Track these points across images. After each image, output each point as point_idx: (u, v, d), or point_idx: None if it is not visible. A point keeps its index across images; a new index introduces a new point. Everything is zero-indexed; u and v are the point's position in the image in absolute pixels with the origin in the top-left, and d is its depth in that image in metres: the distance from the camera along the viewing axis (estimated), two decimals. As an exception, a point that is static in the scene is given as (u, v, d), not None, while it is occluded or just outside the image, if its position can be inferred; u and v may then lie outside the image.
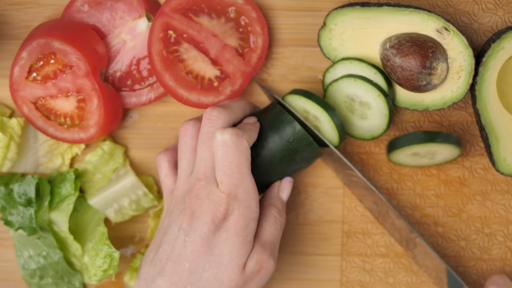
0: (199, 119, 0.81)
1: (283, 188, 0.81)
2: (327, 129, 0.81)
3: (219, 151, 0.75)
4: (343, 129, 0.81)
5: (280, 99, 0.81)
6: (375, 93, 0.81)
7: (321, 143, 0.81)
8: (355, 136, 0.84)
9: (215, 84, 0.83)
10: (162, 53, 0.82)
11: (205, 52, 0.83)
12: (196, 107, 0.83)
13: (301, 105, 0.81)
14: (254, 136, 0.78)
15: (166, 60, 0.83)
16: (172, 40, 0.82)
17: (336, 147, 0.81)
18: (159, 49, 0.82)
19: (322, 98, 0.81)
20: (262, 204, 0.80)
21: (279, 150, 0.79)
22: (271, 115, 0.80)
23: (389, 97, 0.82)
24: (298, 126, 0.79)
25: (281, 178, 0.82)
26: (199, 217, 0.75)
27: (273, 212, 0.79)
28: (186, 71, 0.83)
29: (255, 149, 0.80)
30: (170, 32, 0.82)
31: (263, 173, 0.80)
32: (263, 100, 0.87)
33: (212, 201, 0.75)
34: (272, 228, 0.79)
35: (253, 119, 0.80)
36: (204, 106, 0.83)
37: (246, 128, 0.78)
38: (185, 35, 0.83)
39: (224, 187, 0.75)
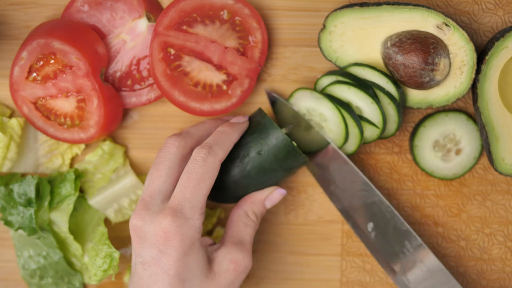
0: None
1: (272, 198, 0.83)
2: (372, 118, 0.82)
3: (189, 164, 0.77)
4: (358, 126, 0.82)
5: (285, 101, 0.81)
6: (385, 101, 0.81)
7: (309, 151, 0.83)
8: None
9: (224, 88, 0.83)
10: (166, 72, 0.83)
11: (207, 60, 0.83)
12: (211, 115, 0.84)
13: (345, 95, 0.81)
14: (230, 144, 0.79)
15: (171, 78, 0.83)
16: (172, 57, 0.83)
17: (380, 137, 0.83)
18: (162, 69, 0.82)
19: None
20: (244, 206, 0.82)
21: (269, 161, 0.80)
22: (260, 125, 0.81)
23: (400, 104, 0.81)
24: (285, 136, 0.79)
25: (266, 186, 0.83)
26: (145, 239, 0.76)
27: (251, 216, 0.81)
28: (193, 83, 0.83)
29: (245, 158, 0.80)
30: (169, 49, 0.82)
31: (249, 184, 0.81)
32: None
33: (155, 224, 0.75)
34: (249, 229, 0.81)
35: (243, 119, 0.82)
36: (219, 113, 0.84)
37: (221, 139, 0.79)
38: (184, 49, 0.83)
39: (174, 200, 0.76)
